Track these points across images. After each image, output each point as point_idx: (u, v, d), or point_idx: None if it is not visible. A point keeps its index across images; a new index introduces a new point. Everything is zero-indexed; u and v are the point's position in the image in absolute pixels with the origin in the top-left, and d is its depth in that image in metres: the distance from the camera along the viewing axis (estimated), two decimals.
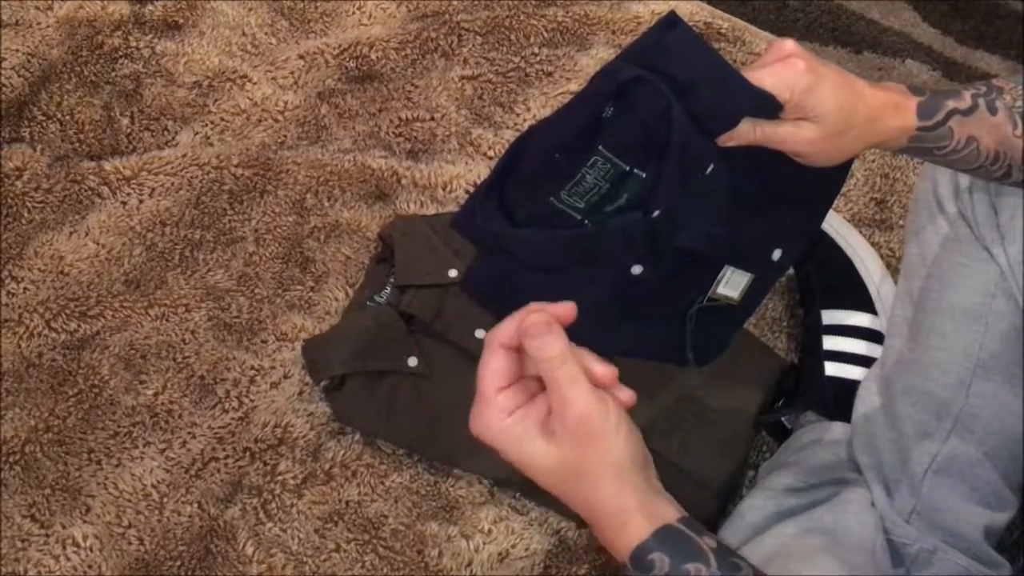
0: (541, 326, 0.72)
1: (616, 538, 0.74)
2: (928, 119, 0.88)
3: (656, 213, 0.83)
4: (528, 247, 0.84)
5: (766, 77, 0.81)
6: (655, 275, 0.86)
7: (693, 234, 0.87)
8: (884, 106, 0.86)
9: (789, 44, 0.83)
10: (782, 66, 0.82)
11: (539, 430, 0.72)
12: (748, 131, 0.83)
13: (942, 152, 0.90)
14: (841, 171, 0.92)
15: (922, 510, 1.05)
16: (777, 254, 0.94)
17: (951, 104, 0.89)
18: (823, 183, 0.94)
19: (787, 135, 0.83)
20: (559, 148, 0.85)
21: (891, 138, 0.87)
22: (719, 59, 0.83)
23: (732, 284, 0.92)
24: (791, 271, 1.33)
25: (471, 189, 1.41)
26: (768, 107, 0.82)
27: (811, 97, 0.82)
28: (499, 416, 0.73)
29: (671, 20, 0.83)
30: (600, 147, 0.85)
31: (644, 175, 0.84)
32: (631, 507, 0.73)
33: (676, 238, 0.86)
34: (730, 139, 0.83)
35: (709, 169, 0.84)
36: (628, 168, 0.85)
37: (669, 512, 0.74)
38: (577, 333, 0.80)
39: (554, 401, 0.72)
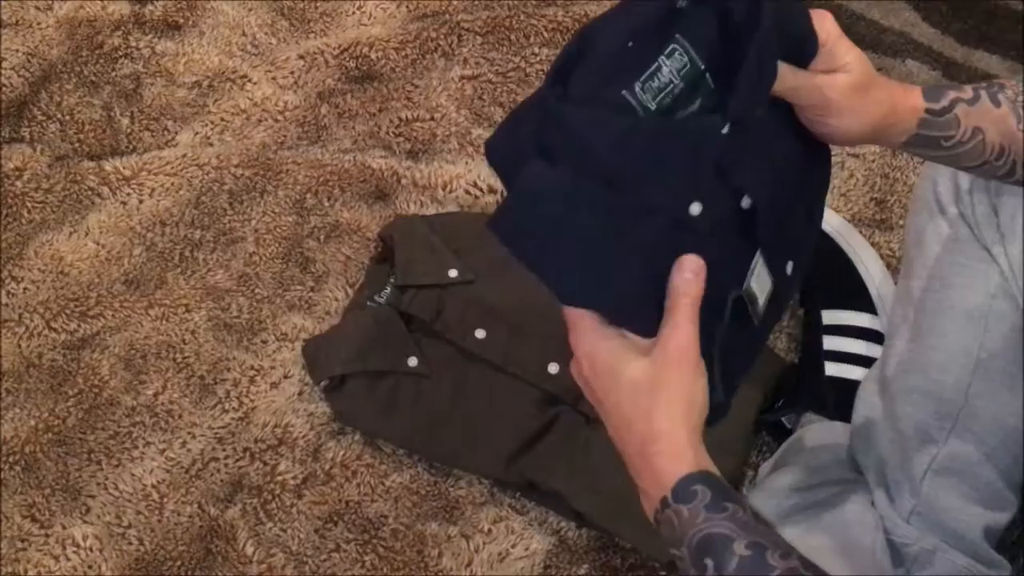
0: (696, 266, 0.79)
1: (666, 465, 0.77)
2: (935, 102, 0.88)
3: (727, 129, 0.78)
4: (603, 132, 0.77)
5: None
6: (708, 226, 0.80)
7: (750, 176, 0.82)
8: (893, 86, 0.88)
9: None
10: (816, 12, 0.83)
11: (637, 349, 0.79)
12: (789, 75, 0.82)
13: (949, 143, 0.89)
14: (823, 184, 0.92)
15: (922, 510, 1.05)
16: (790, 267, 0.88)
17: (954, 94, 0.89)
18: (818, 197, 0.93)
19: (825, 81, 0.83)
20: (632, 35, 0.80)
21: (902, 118, 0.87)
22: None
23: (760, 282, 0.85)
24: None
25: (471, 189, 1.41)
26: (809, 45, 0.83)
27: (842, 44, 0.83)
28: (605, 332, 0.80)
29: None
30: (677, 35, 0.80)
31: (714, 86, 0.80)
32: (687, 442, 0.77)
33: (736, 173, 0.81)
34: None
35: (761, 111, 0.81)
36: (703, 68, 0.80)
37: (715, 469, 0.78)
38: (616, 290, 0.79)
39: (668, 324, 0.78)
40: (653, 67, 0.79)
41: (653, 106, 0.79)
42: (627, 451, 0.80)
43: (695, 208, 0.79)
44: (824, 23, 0.83)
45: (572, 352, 0.81)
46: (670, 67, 0.80)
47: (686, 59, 0.80)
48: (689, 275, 0.79)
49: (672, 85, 0.80)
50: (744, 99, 0.79)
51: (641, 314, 0.79)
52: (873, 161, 1.43)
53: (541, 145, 0.79)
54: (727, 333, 0.83)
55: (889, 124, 0.87)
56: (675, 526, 0.76)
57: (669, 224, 0.79)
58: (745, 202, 0.82)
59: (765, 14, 0.78)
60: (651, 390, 0.78)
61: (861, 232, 1.32)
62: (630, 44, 0.80)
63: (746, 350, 0.87)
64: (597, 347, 0.79)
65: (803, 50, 0.83)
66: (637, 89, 0.79)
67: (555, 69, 0.80)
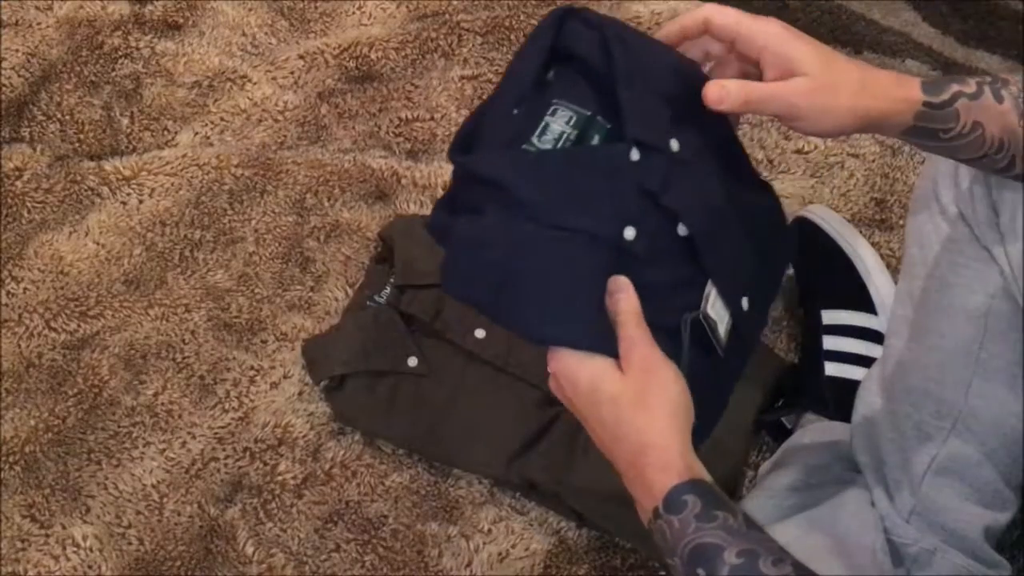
0: (622, 283, 0.81)
1: (656, 476, 0.78)
2: (934, 96, 0.87)
3: (635, 155, 0.81)
4: (517, 167, 0.81)
5: (744, 19, 0.84)
6: (645, 251, 0.82)
7: (684, 200, 0.83)
8: (883, 77, 0.86)
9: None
10: (753, 19, 0.84)
11: (612, 365, 0.80)
12: (738, 88, 0.82)
13: (948, 136, 0.89)
14: (788, 234, 0.94)
15: (922, 510, 1.05)
16: (746, 302, 0.88)
17: (956, 87, 0.88)
18: (776, 236, 0.94)
19: (779, 89, 0.82)
20: (516, 104, 0.84)
21: (895, 112, 0.86)
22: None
23: (717, 311, 0.85)
24: (791, 271, 1.33)
25: None
26: (694, 70, 0.85)
27: (788, 46, 0.83)
28: (580, 353, 0.81)
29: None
30: (554, 100, 0.83)
31: (610, 125, 0.83)
32: (675, 451, 0.79)
33: (667, 196, 0.82)
34: (722, 101, 0.82)
35: (675, 145, 0.83)
36: (590, 114, 0.83)
37: (706, 475, 0.79)
38: (576, 322, 0.81)
39: (622, 342, 0.80)
40: (542, 125, 0.82)
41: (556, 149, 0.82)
42: (618, 464, 0.81)
43: (629, 232, 0.81)
44: (768, 27, 0.83)
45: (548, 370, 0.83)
46: (557, 122, 0.83)
47: (570, 112, 0.83)
48: (617, 294, 0.80)
49: (565, 134, 0.82)
50: (638, 125, 0.81)
51: (604, 337, 0.81)
52: (873, 161, 1.43)
53: (465, 205, 0.83)
54: (692, 360, 0.83)
55: (878, 116, 0.86)
56: (667, 536, 0.77)
57: (608, 250, 0.81)
58: (682, 229, 0.83)
59: (618, 58, 0.82)
60: (632, 404, 0.79)
61: (861, 232, 1.32)
62: (515, 112, 0.83)
63: (715, 381, 0.87)
64: (574, 368, 0.81)
65: (695, 78, 0.85)
66: (535, 141, 0.82)
67: (456, 141, 0.84)
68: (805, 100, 0.83)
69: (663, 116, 0.83)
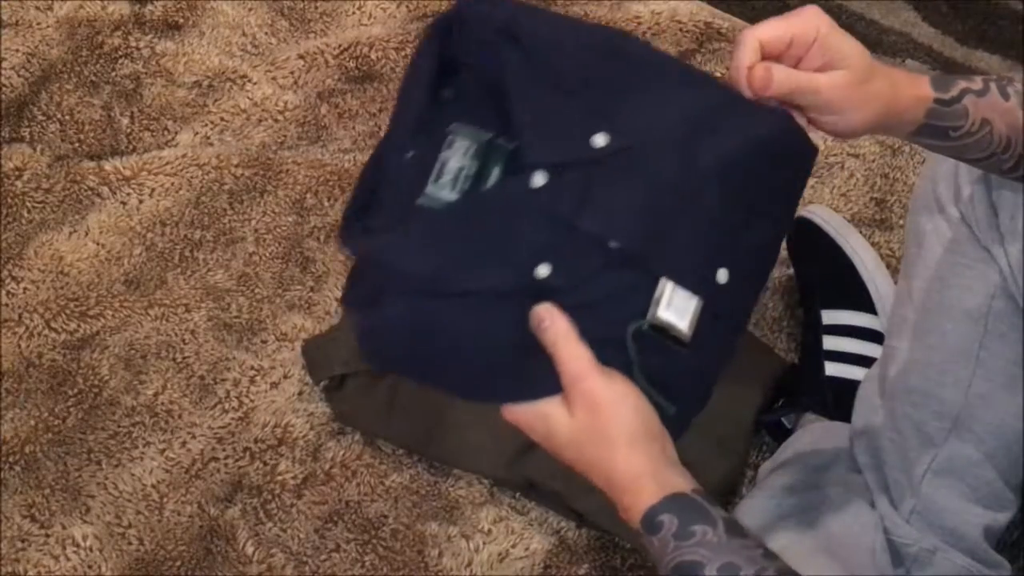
0: (544, 312, 0.77)
1: (631, 503, 0.77)
2: (944, 92, 0.86)
3: (539, 180, 0.75)
4: (405, 248, 0.76)
5: (789, 21, 0.81)
6: (568, 280, 0.76)
7: (606, 216, 0.76)
8: (897, 75, 0.86)
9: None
10: (801, 10, 0.82)
11: (560, 401, 0.78)
12: (785, 78, 0.80)
13: (957, 134, 0.88)
14: (798, 184, 0.85)
15: (922, 510, 1.05)
16: (723, 275, 0.79)
17: (963, 84, 0.88)
18: (774, 197, 0.83)
19: (821, 81, 0.81)
20: (408, 147, 0.79)
21: (909, 108, 0.85)
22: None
23: (677, 308, 0.77)
24: (791, 271, 1.33)
25: None
26: (621, 40, 0.79)
27: (835, 36, 0.81)
28: (523, 404, 0.80)
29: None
30: (452, 125, 0.79)
31: (512, 147, 0.77)
32: (644, 473, 0.77)
33: (582, 218, 0.76)
34: (767, 87, 0.79)
35: (599, 140, 0.76)
36: (491, 136, 0.78)
37: (682, 483, 0.78)
38: (504, 380, 0.78)
39: (563, 376, 0.77)
40: (438, 165, 0.78)
41: (455, 195, 0.78)
42: (596, 488, 0.81)
43: (542, 271, 0.76)
44: (812, 18, 0.81)
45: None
46: (455, 156, 0.78)
47: (468, 141, 0.78)
48: (542, 326, 0.77)
49: (463, 168, 0.78)
50: (537, 145, 0.76)
51: (544, 380, 0.78)
52: (873, 161, 1.43)
53: (366, 289, 0.80)
54: (650, 365, 0.78)
55: (895, 114, 0.85)
56: (651, 554, 0.77)
57: (520, 298, 0.77)
58: (613, 243, 0.77)
59: (506, 63, 0.76)
60: (588, 442, 0.78)
61: (861, 232, 1.32)
62: (410, 155, 0.79)
63: (689, 375, 0.81)
64: (525, 418, 0.80)
65: (623, 49, 0.79)
66: (431, 190, 0.78)
67: (347, 215, 0.80)
68: (842, 95, 0.82)
69: (579, 114, 0.77)
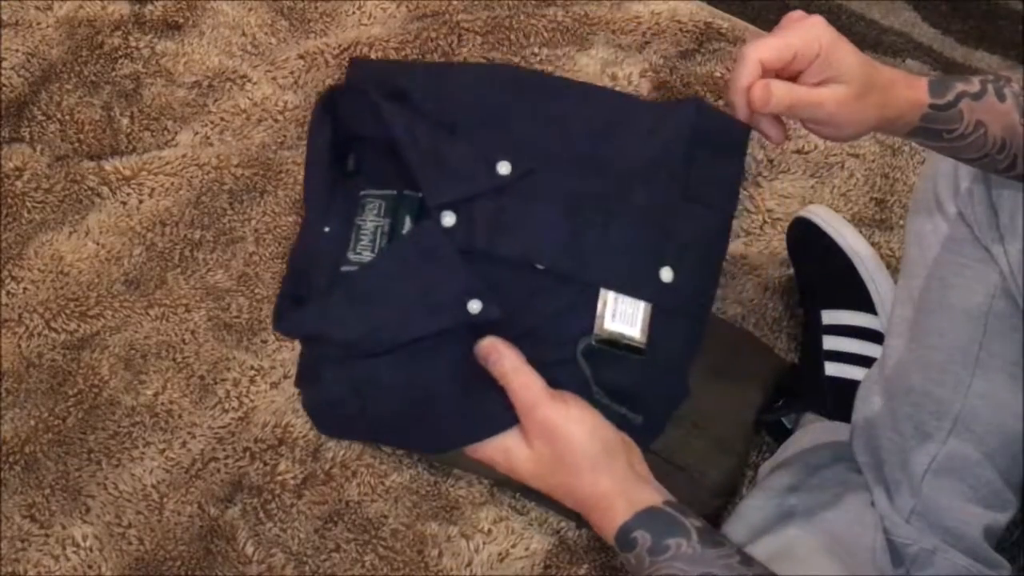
0: (489, 347, 0.77)
1: (603, 523, 0.78)
2: (939, 97, 0.87)
3: (449, 220, 0.76)
4: (328, 315, 0.76)
5: (791, 34, 0.81)
6: (506, 306, 0.76)
7: (526, 239, 0.76)
8: (896, 77, 0.86)
9: (798, 12, 0.84)
10: (803, 23, 0.82)
11: (518, 434, 0.79)
12: (784, 91, 0.80)
13: (951, 136, 0.89)
14: (736, 166, 0.84)
15: (922, 510, 1.05)
16: (667, 274, 0.79)
17: (960, 87, 0.88)
18: (705, 181, 0.82)
19: (822, 96, 0.81)
20: (324, 222, 0.80)
21: (904, 113, 0.86)
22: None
23: (624, 316, 0.77)
24: (790, 271, 1.33)
25: None
26: (504, 72, 0.81)
27: (837, 51, 0.81)
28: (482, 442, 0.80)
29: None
30: (362, 192, 0.81)
31: (419, 195, 0.78)
32: (612, 493, 0.77)
33: (499, 246, 0.76)
34: (767, 103, 0.80)
35: (503, 168, 0.77)
36: (395, 192, 0.79)
37: (652, 497, 0.78)
38: (457, 425, 0.78)
39: (517, 407, 0.77)
40: (355, 232, 0.80)
41: (373, 255, 0.79)
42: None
43: (474, 306, 0.76)
44: (815, 32, 0.81)
45: None
46: (367, 217, 0.80)
47: (378, 201, 0.80)
48: (489, 358, 0.77)
49: (378, 227, 0.79)
50: (437, 187, 0.77)
51: (498, 415, 0.78)
52: (873, 161, 1.43)
53: (306, 370, 0.80)
54: (607, 379, 0.78)
55: (891, 120, 0.86)
56: (629, 570, 0.78)
57: (459, 336, 0.77)
58: (538, 265, 0.77)
59: (389, 118, 0.77)
60: (551, 472, 0.78)
61: (861, 232, 1.32)
62: (327, 230, 0.81)
63: (654, 381, 0.80)
64: (488, 455, 0.81)
65: (510, 78, 0.81)
66: (351, 257, 0.79)
67: (280, 303, 0.81)
68: (842, 109, 0.82)
69: (479, 148, 0.77)
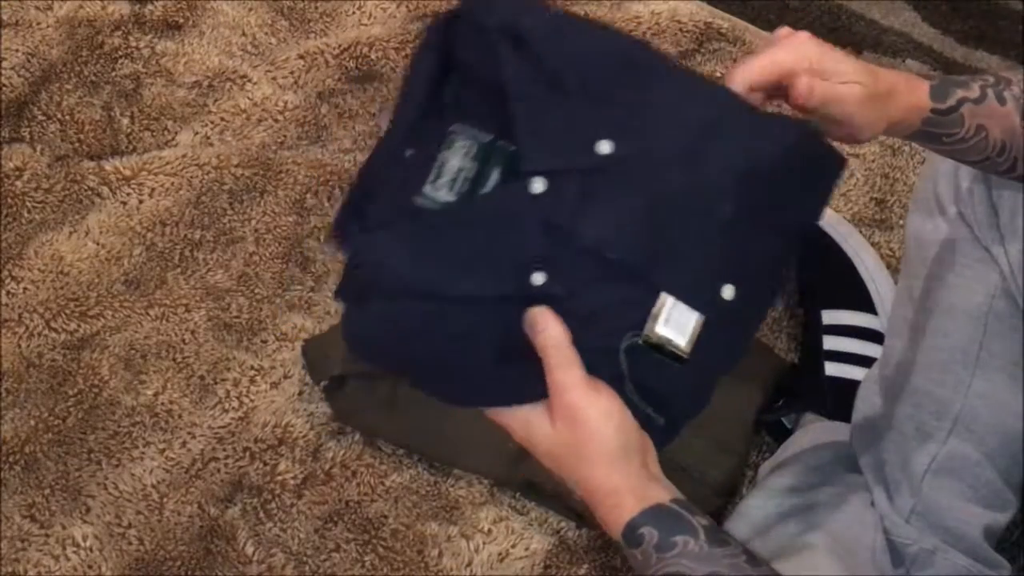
0: (539, 316, 0.76)
1: (610, 517, 0.78)
2: (941, 102, 0.87)
3: (538, 187, 0.74)
4: (399, 248, 0.75)
5: (779, 52, 0.81)
6: (565, 289, 0.74)
7: (606, 226, 0.74)
8: (897, 80, 0.86)
9: (785, 28, 0.84)
10: (789, 40, 0.82)
11: (543, 409, 0.78)
12: (821, 90, 0.79)
13: (951, 140, 0.89)
14: (820, 199, 0.83)
15: (922, 510, 1.05)
16: (729, 291, 0.77)
17: (961, 92, 0.88)
18: (787, 208, 0.80)
19: (844, 92, 0.80)
20: (407, 144, 0.78)
21: (906, 117, 0.86)
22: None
23: (676, 323, 0.75)
24: (790, 270, 1.33)
25: None
26: (632, 48, 0.78)
27: (828, 61, 0.81)
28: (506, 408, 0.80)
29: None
30: (452, 126, 0.77)
31: (514, 148, 0.75)
32: (623, 490, 0.77)
33: (579, 226, 0.74)
34: (811, 97, 0.78)
35: (604, 147, 0.74)
36: (491, 138, 0.76)
37: (662, 495, 0.78)
38: (488, 385, 0.78)
39: (550, 385, 0.77)
40: (437, 164, 0.77)
41: (453, 197, 0.77)
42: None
43: (538, 278, 0.75)
44: (801, 49, 0.81)
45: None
46: (455, 155, 0.77)
47: (468, 141, 0.77)
48: (536, 328, 0.76)
49: (462, 170, 0.77)
50: (537, 151, 0.74)
51: (529, 386, 0.77)
52: (873, 161, 1.43)
53: (356, 281, 0.79)
54: (643, 378, 0.77)
55: (894, 123, 0.86)
56: (636, 566, 0.78)
57: (512, 304, 0.76)
58: (611, 254, 0.75)
59: (508, 67, 0.75)
60: (567, 454, 0.78)
61: (861, 232, 1.32)
62: (408, 154, 0.78)
63: (683, 390, 0.79)
64: (507, 421, 0.80)
65: (634, 56, 0.78)
66: (428, 190, 0.77)
67: (342, 211, 0.79)
68: (861, 107, 0.82)
69: (584, 120, 0.75)
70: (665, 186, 0.75)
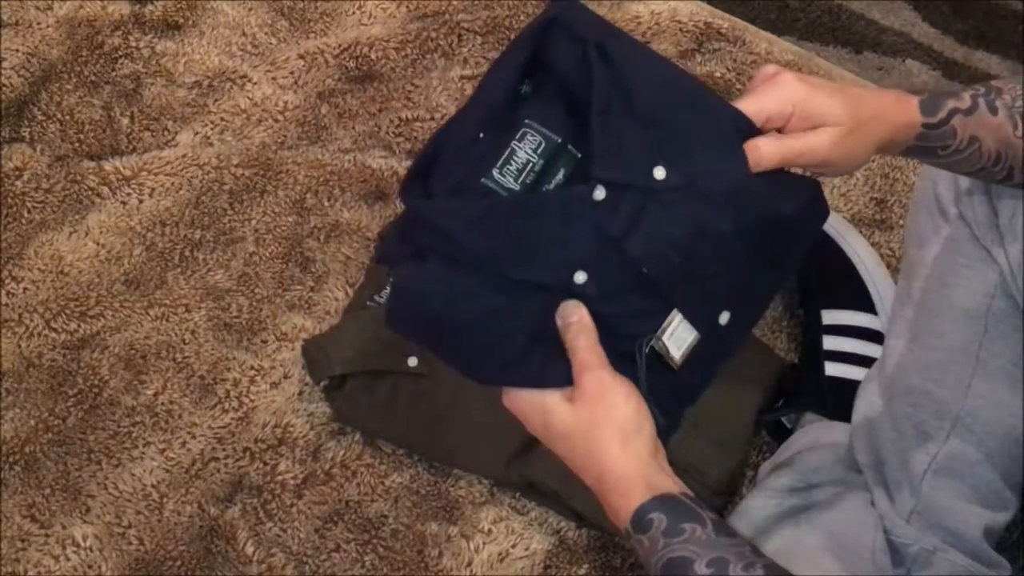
0: (574, 309, 0.81)
1: (620, 502, 0.79)
2: (931, 116, 0.88)
3: (600, 194, 0.79)
4: (464, 218, 0.79)
5: (762, 98, 0.83)
6: (599, 291, 0.80)
7: (649, 244, 0.81)
8: (887, 103, 0.88)
9: (771, 67, 0.86)
10: (773, 83, 0.84)
11: (561, 396, 0.81)
12: (773, 148, 0.82)
13: (946, 152, 0.90)
14: (805, 241, 0.91)
15: (922, 510, 1.05)
16: (725, 317, 0.85)
17: (952, 104, 0.89)
18: (795, 245, 0.90)
19: (811, 142, 0.83)
20: (482, 127, 0.82)
21: (898, 136, 0.88)
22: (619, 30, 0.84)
23: (676, 338, 0.83)
24: None
25: None
26: (692, 85, 0.83)
27: (813, 102, 0.83)
28: (525, 390, 0.82)
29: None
30: (527, 120, 0.83)
31: (580, 155, 0.82)
32: (634, 474, 0.79)
33: (628, 240, 0.80)
34: (759, 164, 0.82)
35: (659, 172, 0.80)
36: (561, 141, 0.82)
37: (672, 486, 0.79)
38: (516, 364, 0.81)
39: (575, 365, 0.80)
40: (507, 152, 0.82)
41: (516, 186, 0.82)
42: (589, 487, 0.82)
43: (579, 277, 0.81)
44: (786, 92, 0.83)
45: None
46: (524, 148, 0.82)
47: (539, 138, 0.82)
48: (569, 320, 0.80)
49: (531, 163, 0.82)
50: (607, 163, 0.80)
51: (553, 370, 0.81)
52: (873, 161, 1.43)
53: (411, 246, 0.83)
54: (648, 377, 0.83)
55: (884, 143, 0.88)
56: (640, 554, 0.78)
57: (553, 294, 0.81)
58: (646, 269, 0.82)
59: (597, 80, 0.80)
60: (584, 434, 0.80)
61: (861, 232, 1.32)
62: (481, 136, 0.82)
63: (671, 396, 0.85)
64: (524, 405, 0.82)
65: (694, 94, 0.83)
66: (495, 174, 0.81)
67: (412, 173, 0.83)
68: (835, 150, 0.84)
69: (646, 142, 0.81)
70: (703, 219, 0.82)
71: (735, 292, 0.85)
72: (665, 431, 0.83)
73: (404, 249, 0.84)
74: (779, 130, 0.84)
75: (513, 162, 0.82)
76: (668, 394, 0.84)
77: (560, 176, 0.82)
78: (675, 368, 0.83)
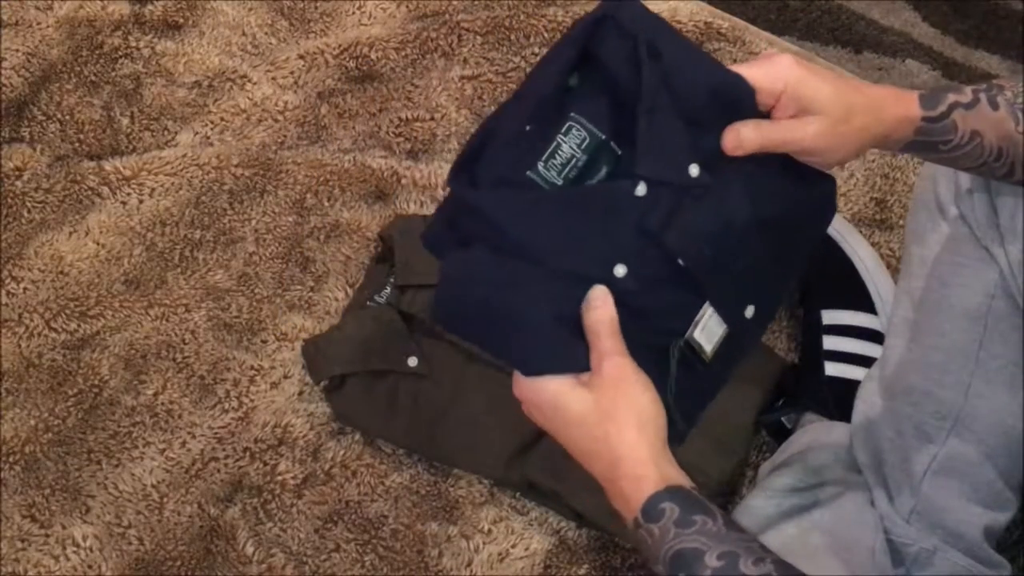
0: (603, 297, 0.82)
1: (631, 490, 0.79)
2: (931, 110, 0.88)
3: (641, 190, 0.82)
4: (511, 209, 0.82)
5: (755, 71, 0.83)
6: (637, 284, 0.83)
7: (685, 237, 0.83)
8: (884, 96, 0.87)
9: (769, 51, 0.86)
10: (769, 60, 0.84)
11: (576, 382, 0.81)
12: (753, 135, 0.83)
13: (947, 147, 0.90)
14: (817, 233, 0.95)
15: (922, 510, 1.05)
16: (751, 311, 0.89)
17: (952, 97, 0.89)
18: (804, 241, 0.93)
19: (794, 130, 0.83)
20: (529, 120, 0.84)
21: (896, 130, 0.87)
22: (676, 31, 0.86)
23: (708, 331, 0.86)
24: None
25: None
26: (739, 89, 0.83)
27: (805, 86, 0.83)
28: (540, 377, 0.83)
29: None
30: (573, 113, 0.84)
31: (621, 152, 0.84)
32: (647, 461, 0.79)
33: (666, 234, 0.83)
34: (738, 148, 0.83)
35: (694, 171, 0.83)
36: (604, 138, 0.84)
37: (682, 480, 0.80)
38: (542, 344, 0.82)
39: (594, 351, 0.81)
40: (553, 146, 0.83)
41: (560, 181, 0.83)
42: (597, 478, 0.82)
43: (619, 270, 0.83)
44: (780, 70, 0.83)
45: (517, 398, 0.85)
46: (569, 143, 0.84)
47: (584, 133, 0.84)
48: (592, 305, 0.81)
49: (575, 159, 0.84)
50: (649, 161, 0.82)
51: (570, 356, 0.82)
52: (873, 161, 1.43)
53: (458, 233, 0.85)
54: (677, 376, 0.84)
55: (881, 138, 0.87)
56: (649, 544, 0.78)
57: (592, 285, 0.83)
58: (682, 262, 0.84)
59: (646, 78, 0.82)
60: (599, 420, 0.80)
61: (861, 232, 1.32)
62: (528, 128, 0.84)
63: (698, 391, 0.88)
64: (538, 391, 0.82)
65: (737, 98, 0.84)
66: (540, 168, 0.83)
67: (459, 162, 0.84)
68: (820, 140, 0.84)
69: (684, 141, 0.83)
70: (732, 216, 0.85)
71: (758, 286, 0.89)
72: (684, 433, 0.85)
73: (451, 236, 0.86)
74: (769, 113, 0.84)
75: (558, 156, 0.83)
76: (693, 390, 0.86)
77: (603, 174, 0.84)
78: (707, 361, 0.86)
